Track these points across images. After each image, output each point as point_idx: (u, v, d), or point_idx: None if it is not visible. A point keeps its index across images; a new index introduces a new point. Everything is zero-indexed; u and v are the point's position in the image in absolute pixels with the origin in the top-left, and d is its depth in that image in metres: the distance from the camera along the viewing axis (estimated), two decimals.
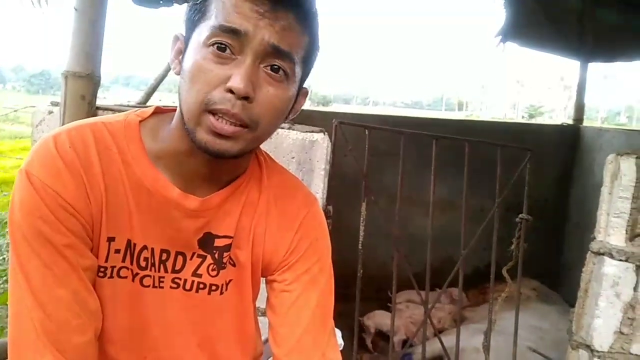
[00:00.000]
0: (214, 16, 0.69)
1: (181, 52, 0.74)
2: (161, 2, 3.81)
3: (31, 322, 0.69)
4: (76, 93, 1.44)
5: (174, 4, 4.04)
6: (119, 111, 1.61)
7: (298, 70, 0.74)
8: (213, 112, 0.69)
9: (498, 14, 3.46)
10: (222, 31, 0.68)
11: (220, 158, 0.72)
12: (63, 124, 1.45)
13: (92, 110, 1.51)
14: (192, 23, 0.72)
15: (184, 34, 0.75)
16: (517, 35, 3.56)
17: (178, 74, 0.74)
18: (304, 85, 0.81)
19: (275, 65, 0.70)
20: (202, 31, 0.69)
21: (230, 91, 0.67)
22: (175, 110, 0.80)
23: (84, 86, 1.45)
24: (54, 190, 0.69)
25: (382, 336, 2.82)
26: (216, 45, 0.68)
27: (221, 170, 0.80)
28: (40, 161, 0.70)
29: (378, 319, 2.80)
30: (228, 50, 0.68)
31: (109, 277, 0.77)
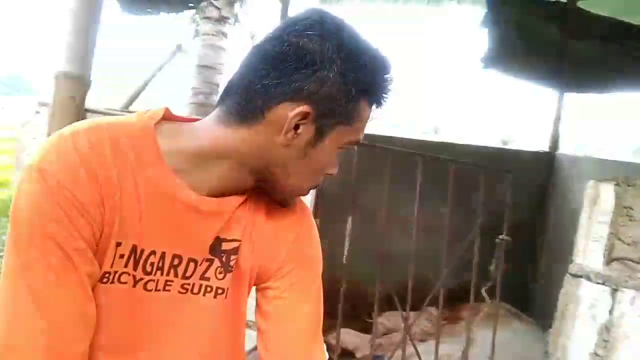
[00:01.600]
0: (356, 129, 0.79)
1: (303, 119, 0.74)
2: (149, 10, 3.81)
3: (27, 330, 0.66)
4: (66, 94, 1.43)
5: (161, 12, 4.05)
6: (109, 114, 1.60)
7: None
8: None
9: (481, 41, 3.56)
10: (355, 144, 0.82)
11: None
12: (51, 125, 1.43)
13: (82, 112, 1.49)
14: (336, 118, 0.76)
15: (314, 113, 0.74)
16: (498, 62, 3.67)
17: (287, 145, 0.76)
18: None
19: None
20: (344, 136, 0.79)
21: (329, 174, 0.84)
22: (191, 124, 0.80)
23: (75, 87, 1.44)
24: (71, 192, 0.67)
25: (347, 354, 2.81)
26: (343, 149, 0.81)
27: (244, 189, 0.83)
28: (57, 159, 0.68)
29: (342, 338, 2.81)
30: None
31: (110, 283, 0.75)
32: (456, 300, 3.21)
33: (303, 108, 0.73)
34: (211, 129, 0.77)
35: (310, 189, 0.86)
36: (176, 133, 0.78)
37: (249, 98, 0.74)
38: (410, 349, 1.96)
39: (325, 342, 2.65)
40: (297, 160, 0.77)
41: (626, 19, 3.55)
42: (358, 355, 2.76)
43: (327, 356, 0.98)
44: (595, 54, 3.65)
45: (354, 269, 2.60)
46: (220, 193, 0.80)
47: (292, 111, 0.73)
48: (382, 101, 0.80)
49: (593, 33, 3.57)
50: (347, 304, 2.19)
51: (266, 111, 0.74)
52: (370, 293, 1.84)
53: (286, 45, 0.73)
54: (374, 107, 0.80)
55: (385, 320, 3.05)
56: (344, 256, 1.72)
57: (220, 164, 0.77)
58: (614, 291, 1.48)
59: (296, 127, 0.74)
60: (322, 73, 0.72)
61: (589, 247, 1.51)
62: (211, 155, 0.77)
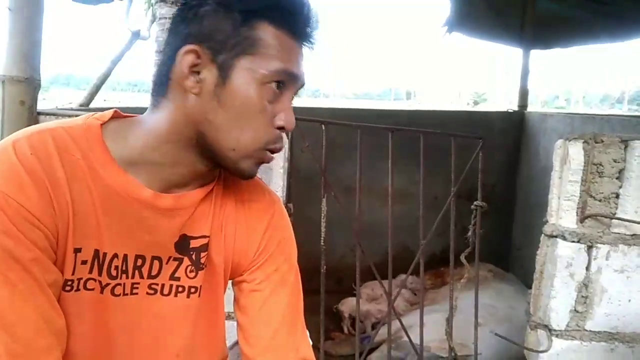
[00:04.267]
0: (265, 56, 0.71)
1: (195, 66, 0.71)
2: None
3: None
4: (15, 98, 1.36)
5: (114, 0, 3.89)
6: (62, 115, 1.53)
7: None
8: (268, 149, 0.76)
9: (444, 5, 3.53)
10: (286, 74, 0.73)
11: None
12: (2, 131, 1.37)
13: (33, 116, 1.43)
14: (232, 49, 0.71)
15: (203, 50, 0.71)
16: (462, 25, 3.65)
17: (197, 93, 0.72)
18: None
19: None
20: (255, 67, 0.71)
21: (282, 128, 0.75)
22: (135, 116, 0.79)
23: (23, 91, 1.37)
24: (17, 202, 0.64)
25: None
26: (276, 84, 0.73)
27: (201, 177, 0.80)
28: None
29: (350, 305, 2.94)
30: (279, 90, 0.74)
31: (75, 291, 0.73)
32: (439, 264, 3.27)
33: (188, 47, 0.71)
34: (148, 118, 0.76)
35: (259, 145, 0.75)
36: (123, 130, 0.76)
37: (158, 70, 0.75)
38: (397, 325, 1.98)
39: (338, 311, 2.76)
40: (216, 110, 0.72)
41: None
42: (367, 322, 2.89)
43: (310, 342, 0.97)
44: (558, 9, 3.66)
45: (336, 243, 2.61)
46: (181, 185, 0.78)
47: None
48: (286, 19, 0.72)
49: None
50: (331, 279, 2.21)
51: (170, 73, 0.72)
52: (353, 265, 1.84)
53: (178, 9, 0.75)
54: (287, 32, 0.73)
55: (369, 289, 3.11)
56: (322, 238, 1.70)
57: (165, 150, 0.75)
58: (589, 248, 1.50)
59: (198, 73, 0.72)
60: (200, 10, 0.71)
61: (562, 207, 1.52)
62: (155, 145, 0.74)
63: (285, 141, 1.52)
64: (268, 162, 0.78)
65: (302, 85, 0.78)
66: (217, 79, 0.71)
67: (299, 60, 0.75)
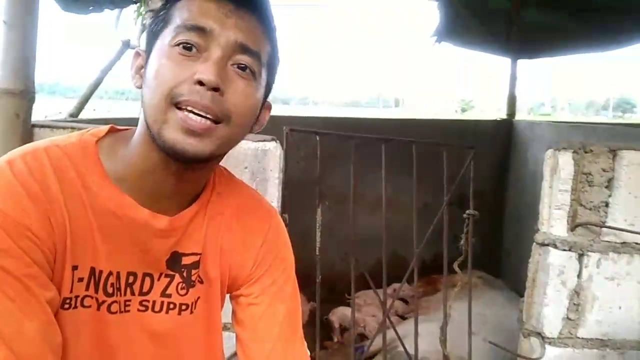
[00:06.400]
0: (178, 19, 0.70)
1: (142, 67, 0.74)
2: (91, 7, 3.63)
3: None
4: (10, 112, 1.35)
5: (105, 9, 3.86)
6: (57, 127, 1.53)
7: (264, 73, 0.75)
8: (180, 106, 0.67)
9: (433, 14, 3.58)
10: (187, 29, 0.68)
11: (191, 162, 0.71)
12: None
13: (28, 128, 1.42)
14: (154, 34, 0.72)
15: (145, 49, 0.74)
16: (451, 35, 3.70)
17: (140, 87, 0.73)
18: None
19: (243, 64, 0.71)
20: (165, 35, 0.70)
21: (199, 83, 0.67)
22: (130, 129, 0.79)
23: (18, 104, 1.36)
24: (15, 219, 0.65)
25: (346, 330, 2.93)
26: (182, 44, 0.68)
27: (186, 184, 0.78)
28: None
29: (340, 314, 2.96)
30: (194, 49, 0.69)
31: (73, 308, 0.73)
32: (432, 271, 3.29)
33: (134, 52, 0.77)
34: (135, 130, 0.76)
35: (165, 100, 0.68)
36: (116, 146, 0.76)
37: None
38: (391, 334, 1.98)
39: (327, 320, 2.74)
40: (144, 91, 0.71)
41: None
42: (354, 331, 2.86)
43: (307, 353, 0.98)
44: (543, 19, 3.73)
45: (330, 251, 2.62)
46: (170, 195, 0.77)
47: None
48: None
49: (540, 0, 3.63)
50: (323, 288, 2.22)
51: None
52: (344, 274, 1.85)
53: None
54: None
55: (361, 300, 3.10)
56: (317, 248, 1.71)
57: (143, 156, 0.73)
58: (580, 256, 1.53)
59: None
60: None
61: (552, 215, 1.54)
62: (136, 153, 0.74)
63: (280, 152, 1.53)
64: (191, 126, 0.67)
65: (233, 42, 0.69)
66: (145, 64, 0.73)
67: (213, 14, 0.69)
